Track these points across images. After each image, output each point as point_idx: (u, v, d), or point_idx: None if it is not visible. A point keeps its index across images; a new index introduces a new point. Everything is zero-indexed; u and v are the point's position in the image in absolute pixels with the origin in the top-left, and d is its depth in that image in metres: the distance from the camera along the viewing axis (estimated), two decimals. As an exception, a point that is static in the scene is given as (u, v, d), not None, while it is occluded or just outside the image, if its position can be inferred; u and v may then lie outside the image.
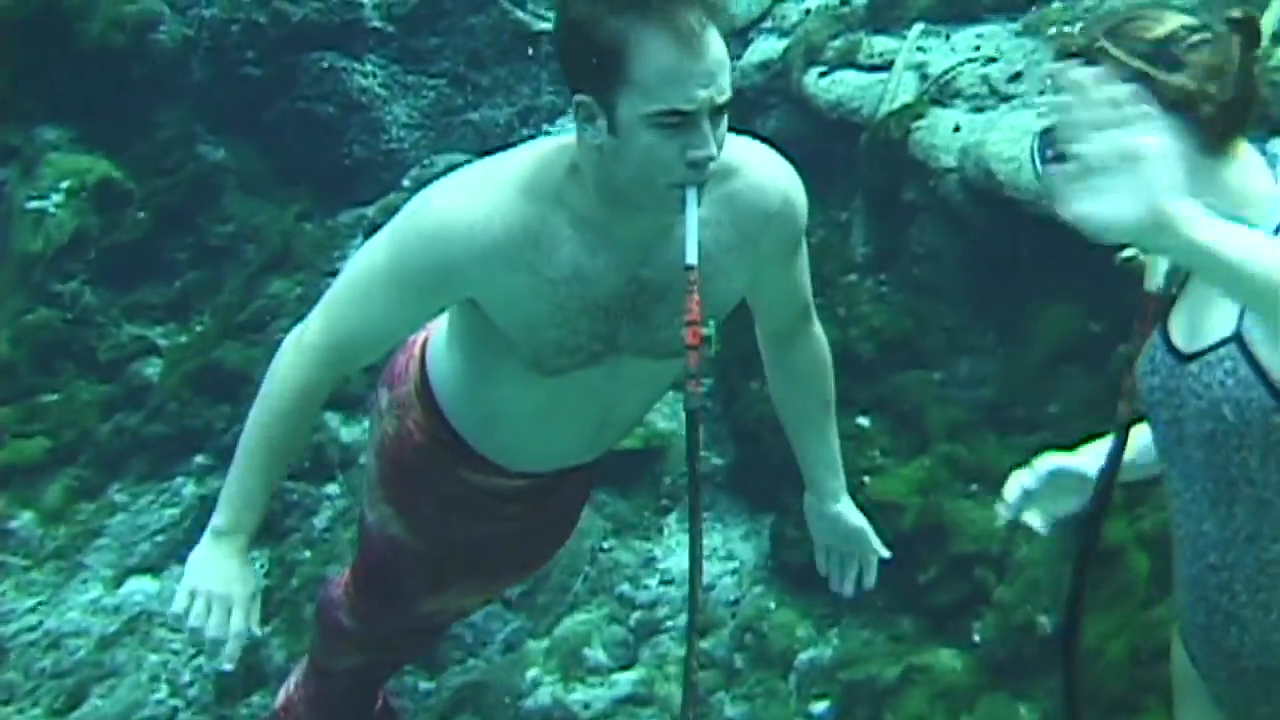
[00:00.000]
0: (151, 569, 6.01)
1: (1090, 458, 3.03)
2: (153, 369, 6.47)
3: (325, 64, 6.95)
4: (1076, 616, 2.87)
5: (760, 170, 2.93)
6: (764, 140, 3.09)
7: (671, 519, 5.75)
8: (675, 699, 5.09)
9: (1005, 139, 5.47)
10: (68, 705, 5.52)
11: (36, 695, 5.52)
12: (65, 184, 6.57)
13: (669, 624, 5.40)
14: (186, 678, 5.61)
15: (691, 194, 2.66)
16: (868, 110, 6.07)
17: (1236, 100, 2.36)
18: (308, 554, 5.93)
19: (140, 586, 5.95)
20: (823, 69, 6.31)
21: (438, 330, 3.24)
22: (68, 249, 6.52)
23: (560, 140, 2.91)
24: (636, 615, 5.44)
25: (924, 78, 6.05)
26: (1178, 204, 1.91)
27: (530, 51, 7.00)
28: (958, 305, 5.61)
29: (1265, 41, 2.40)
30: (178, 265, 6.73)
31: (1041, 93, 5.80)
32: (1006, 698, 4.74)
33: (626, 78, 2.56)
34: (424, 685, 5.45)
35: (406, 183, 6.89)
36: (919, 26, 6.31)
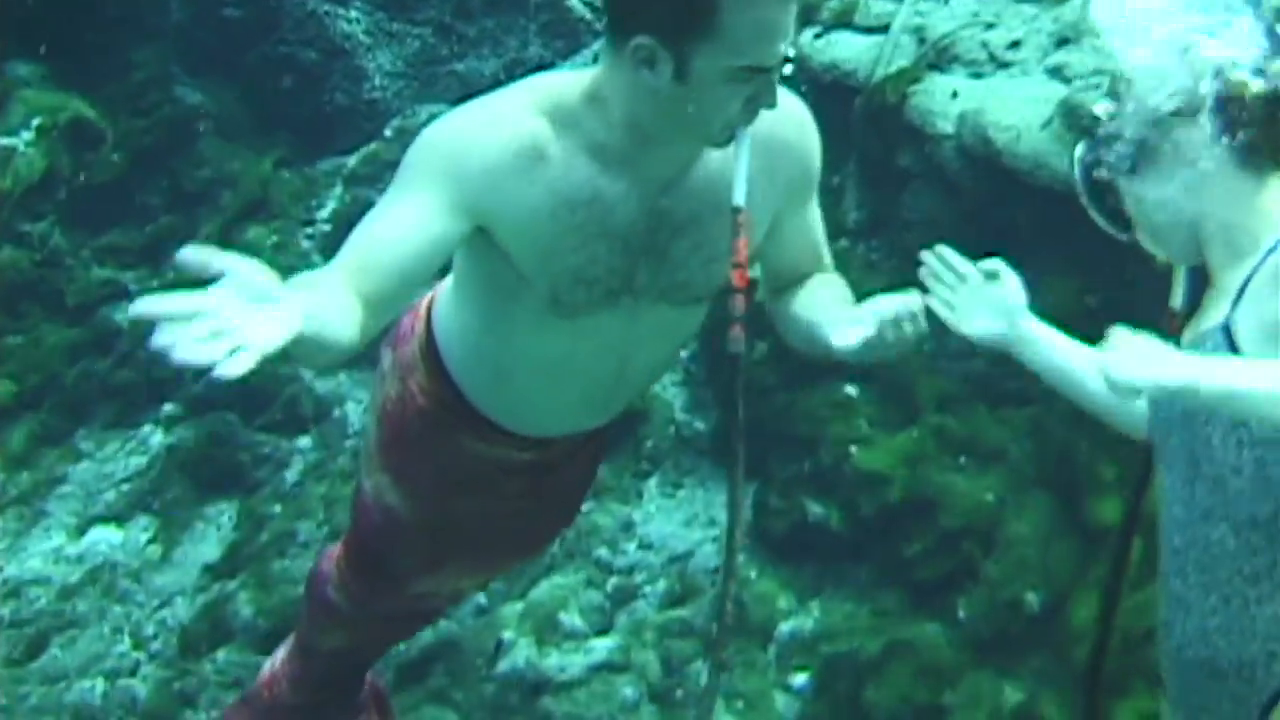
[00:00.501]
0: (116, 518, 5.89)
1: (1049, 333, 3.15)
2: (122, 314, 6.32)
3: (308, 8, 6.82)
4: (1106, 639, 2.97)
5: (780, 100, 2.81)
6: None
7: (651, 483, 5.65)
8: (651, 666, 5.01)
9: (1004, 107, 5.36)
10: (26, 655, 5.39)
11: (-6, 643, 5.41)
12: (36, 121, 6.40)
13: (646, 590, 5.30)
14: (149, 630, 5.49)
15: (744, 136, 2.61)
16: (863, 73, 5.95)
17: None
18: (278, 508, 5.81)
19: (104, 536, 5.82)
20: (818, 30, 6.19)
21: (444, 287, 3.10)
22: (37, 188, 6.35)
23: (571, 74, 2.80)
24: (613, 581, 5.34)
25: (921, 42, 5.93)
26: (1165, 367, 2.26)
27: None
28: (950, 274, 5.50)
29: None
30: (151, 209, 6.59)
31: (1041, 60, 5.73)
32: (991, 675, 4.66)
33: (715, 28, 2.45)
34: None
35: (388, 133, 6.76)
36: (917, -10, 6.18)
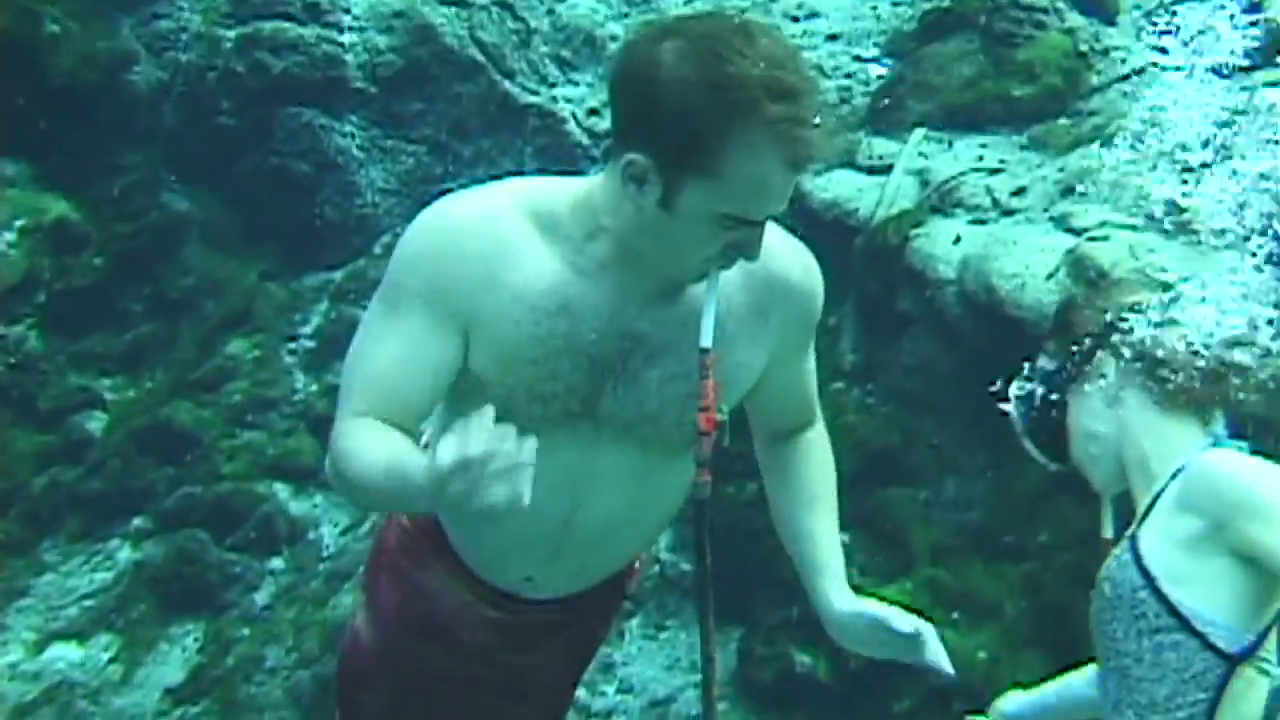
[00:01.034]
0: (77, 635, 5.69)
1: (1051, 693, 3.27)
2: (96, 423, 6.17)
3: (303, 120, 6.73)
4: None
5: (774, 239, 2.66)
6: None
7: (634, 623, 5.48)
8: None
9: (1008, 254, 5.30)
10: (-24, 777, 5.19)
11: (-57, 764, 5.20)
12: (20, 222, 6.29)
13: (626, 735, 5.13)
14: (105, 755, 5.30)
15: (715, 277, 2.45)
16: (864, 213, 5.89)
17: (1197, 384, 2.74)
18: (246, 631, 5.63)
19: (63, 653, 5.63)
20: (819, 167, 6.12)
21: None
22: (17, 290, 6.22)
23: (563, 179, 2.65)
24: (592, 725, 5.18)
25: (924, 184, 5.89)
26: None
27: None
28: (947, 422, 5.41)
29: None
30: (132, 316, 6.44)
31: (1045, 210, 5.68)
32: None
33: (711, 171, 2.33)
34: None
35: (377, 249, 6.66)
36: (920, 131, 6.15)
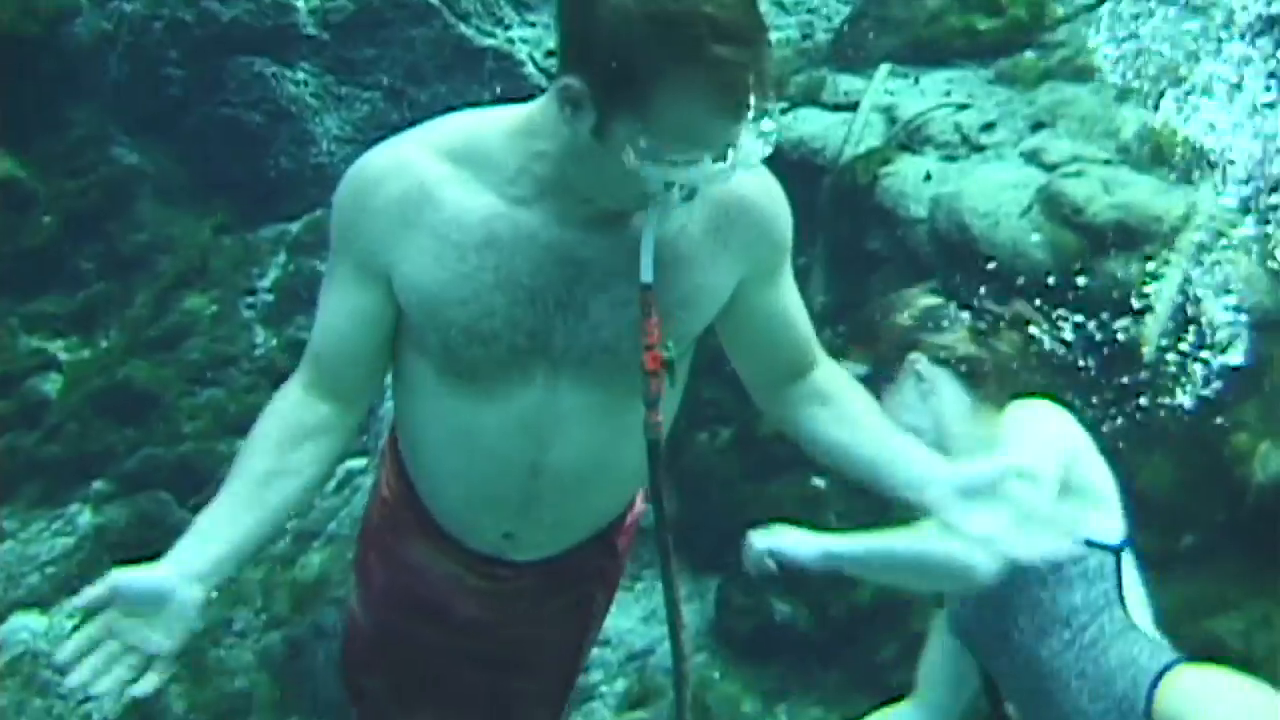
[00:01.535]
0: (39, 604, 5.57)
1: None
2: (51, 385, 6.03)
3: (254, 69, 6.57)
4: None
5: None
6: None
7: (608, 576, 5.40)
8: (609, 771, 4.78)
9: (980, 192, 5.22)
10: (-61, 752, 5.09)
11: (-94, 741, 5.09)
12: (-36, 182, 6.11)
13: (604, 690, 5.06)
14: (73, 726, 5.19)
15: (654, 210, 2.31)
16: (831, 152, 5.79)
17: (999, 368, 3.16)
18: (213, 594, 5.48)
19: (25, 623, 5.50)
20: (784, 105, 6.01)
21: None
22: (-36, 252, 6.04)
23: (497, 110, 2.52)
24: (568, 679, 5.09)
25: (892, 121, 5.79)
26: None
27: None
28: (920, 363, 5.33)
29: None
30: (84, 275, 6.28)
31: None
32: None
33: (643, 109, 2.20)
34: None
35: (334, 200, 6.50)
36: (886, 67, 6.05)
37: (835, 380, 2.65)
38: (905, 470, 2.50)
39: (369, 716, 3.16)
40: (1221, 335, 4.66)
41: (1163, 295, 4.58)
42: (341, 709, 5.05)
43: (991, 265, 5.02)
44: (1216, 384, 4.64)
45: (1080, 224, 4.96)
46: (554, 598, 2.78)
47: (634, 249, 2.34)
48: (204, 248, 6.37)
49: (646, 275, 2.33)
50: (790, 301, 2.65)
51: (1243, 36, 5.02)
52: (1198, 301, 4.64)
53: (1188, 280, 4.65)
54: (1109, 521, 3.04)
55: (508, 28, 6.87)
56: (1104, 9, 5.64)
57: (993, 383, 3.15)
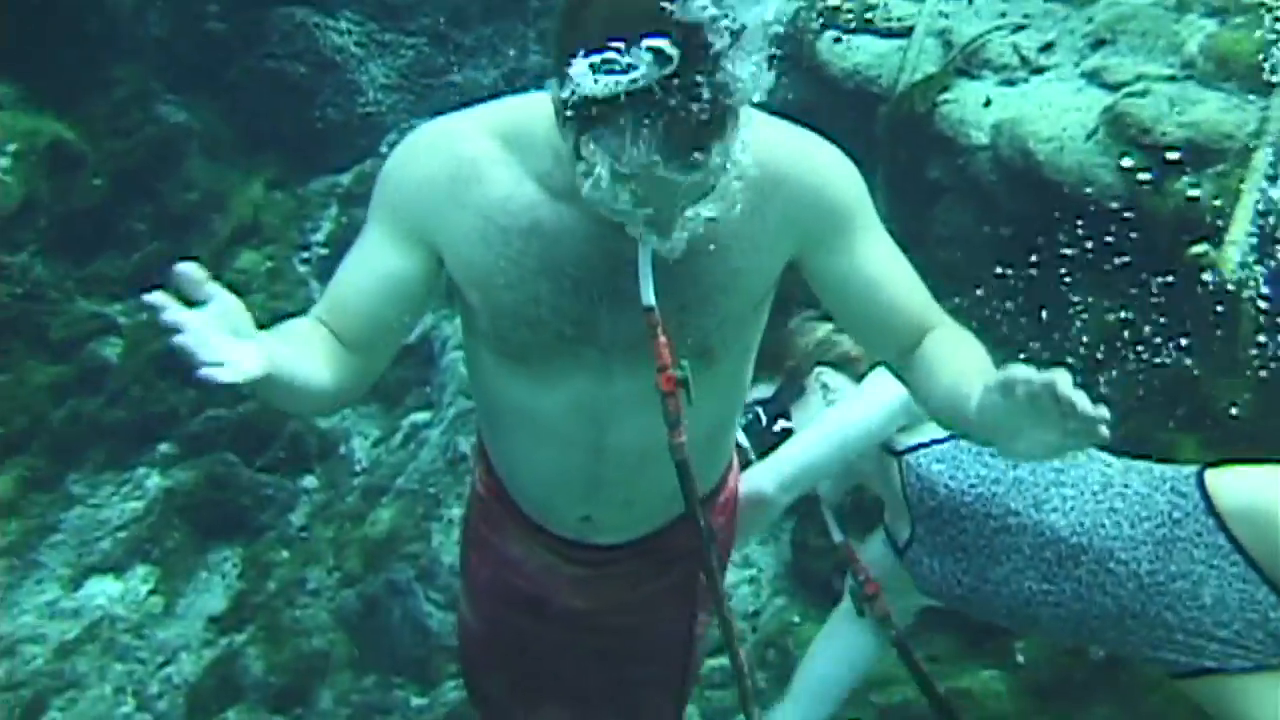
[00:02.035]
0: (114, 568, 5.58)
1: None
2: (112, 349, 6.01)
3: (296, 19, 6.50)
4: None
5: (773, 132, 2.41)
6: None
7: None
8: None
9: (1042, 116, 5.11)
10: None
11: (-11, 709, 5.11)
12: (13, 147, 6.03)
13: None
14: (154, 689, 5.21)
15: (646, 243, 2.28)
16: (887, 79, 5.68)
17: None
18: (285, 554, 5.53)
19: (101, 588, 5.52)
20: (838, 34, 5.90)
21: None
22: (17, 217, 5.97)
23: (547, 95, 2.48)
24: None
25: (947, 45, 5.67)
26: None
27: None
28: (988, 293, 5.24)
29: None
30: (137, 236, 6.23)
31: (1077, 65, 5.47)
32: (1055, 726, 4.42)
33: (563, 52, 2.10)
34: (416, 700, 5.07)
35: (384, 148, 6.46)
36: (938, -11, 5.91)
37: (944, 345, 2.52)
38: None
39: (493, 718, 3.15)
40: (1302, 253, 4.57)
41: (1239, 216, 4.48)
42: (419, 664, 5.09)
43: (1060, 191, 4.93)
44: (1298, 304, 4.55)
45: (1148, 145, 4.84)
46: (652, 581, 2.75)
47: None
48: (255, 204, 6.33)
49: (647, 299, 2.31)
50: (871, 270, 2.55)
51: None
52: (1276, 220, 4.54)
53: (1265, 198, 4.54)
54: None
55: (550, -34, 6.79)
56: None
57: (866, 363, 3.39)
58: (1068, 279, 4.96)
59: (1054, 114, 5.09)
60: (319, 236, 6.35)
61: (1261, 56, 4.90)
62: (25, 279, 5.97)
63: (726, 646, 2.54)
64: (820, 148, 2.50)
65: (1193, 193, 4.67)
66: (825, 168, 2.48)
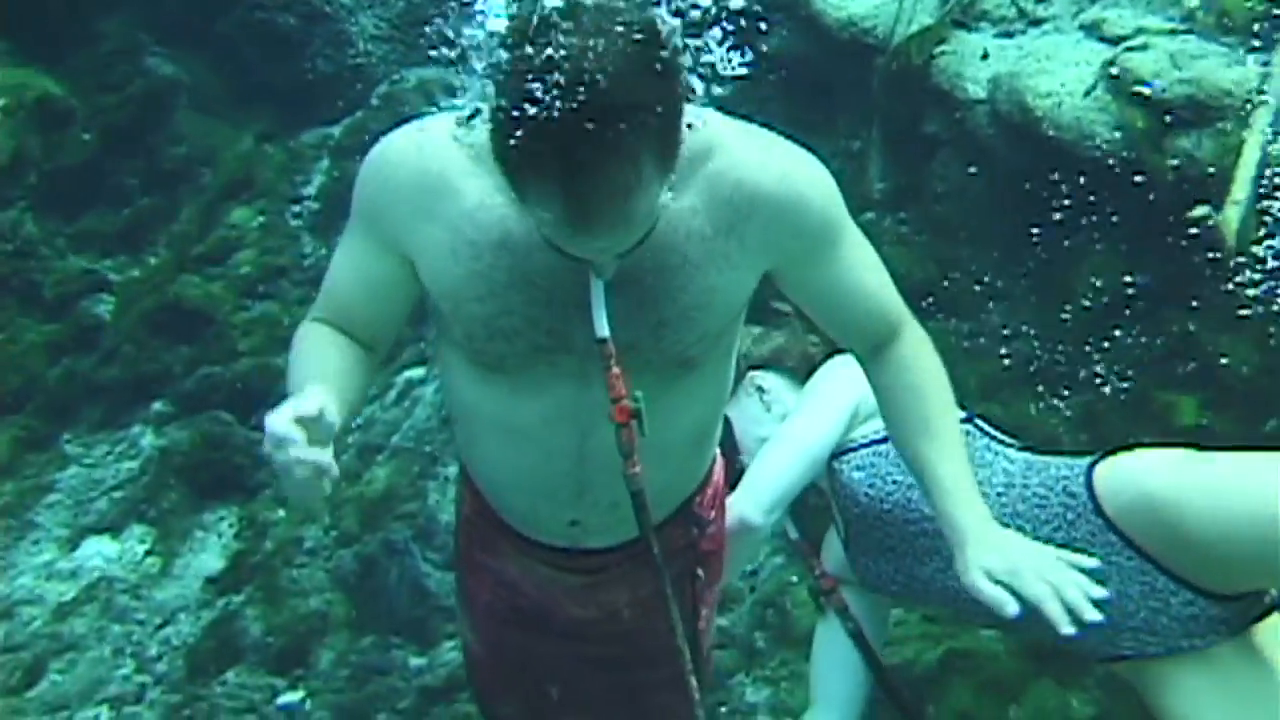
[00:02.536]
0: (110, 529, 5.56)
1: None
2: (104, 306, 5.96)
3: (283, -31, 6.40)
4: None
5: (747, 150, 2.42)
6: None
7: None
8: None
9: (1041, 70, 5.08)
10: (23, 682, 5.12)
11: (-12, 671, 5.11)
12: (0, 102, 5.97)
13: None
14: (153, 651, 5.21)
15: (599, 283, 2.33)
16: (882, 30, 5.62)
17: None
18: (281, 513, 5.51)
19: (98, 548, 5.50)
20: (835, -14, 5.84)
21: None
22: (6, 173, 5.91)
23: None
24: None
25: (944, -4, 5.61)
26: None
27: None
28: (985, 249, 5.23)
29: None
30: (127, 191, 6.16)
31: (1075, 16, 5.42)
32: (1054, 686, 4.43)
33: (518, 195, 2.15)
34: (415, 661, 5.08)
35: (375, 100, 6.39)
36: (935, -63, 5.85)
37: (909, 372, 2.69)
38: (951, 514, 2.60)
39: None
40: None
41: (1240, 176, 4.45)
42: (417, 625, 5.09)
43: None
44: (1300, 262, 4.54)
45: (1148, 100, 4.81)
46: (650, 582, 2.75)
47: (646, 253, 2.31)
48: (246, 158, 6.26)
49: (601, 330, 2.33)
50: (849, 280, 2.60)
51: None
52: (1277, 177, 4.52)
53: (1267, 155, 4.51)
54: None
55: (542, -89, 6.68)
56: None
57: (804, 360, 3.54)
58: (1066, 236, 4.94)
59: (1052, 68, 5.06)
60: (311, 190, 6.28)
61: (1262, 10, 4.86)
62: (16, 236, 5.92)
63: (684, 675, 2.55)
64: (797, 163, 2.48)
65: (1193, 151, 4.64)
66: (803, 186, 2.47)
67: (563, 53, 1.96)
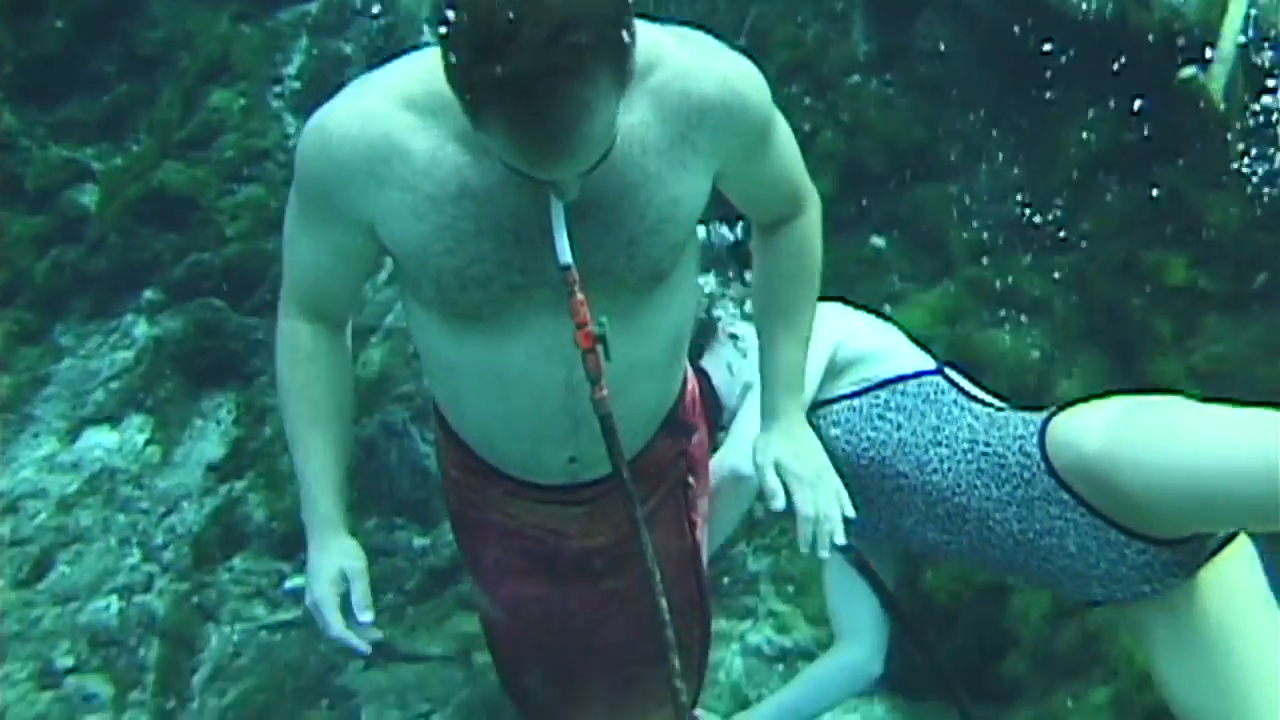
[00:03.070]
0: (109, 419, 5.59)
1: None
2: (88, 196, 5.91)
3: None
4: None
5: (688, 58, 2.43)
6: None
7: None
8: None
9: (1026, -75, 5.01)
10: (32, 574, 5.19)
11: (-4, 564, 5.18)
12: (-35, -9, 5.89)
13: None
14: (159, 540, 5.28)
15: (558, 203, 2.30)
16: (864, -113, 5.53)
17: None
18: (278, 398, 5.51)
19: (99, 440, 5.53)
20: None
21: None
22: (-22, 64, 5.87)
23: None
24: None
25: None
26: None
27: None
28: (973, 109, 5.21)
29: None
30: (105, 78, 6.07)
31: None
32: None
33: (477, 124, 2.13)
34: (418, 541, 5.14)
35: (351, -26, 6.29)
36: None
37: (790, 250, 2.83)
38: (774, 397, 2.86)
39: (542, 715, 3.18)
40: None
41: (1226, 34, 4.42)
42: (419, 505, 5.15)
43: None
44: (1285, 120, 4.53)
45: (1134, -45, 4.76)
46: (649, 500, 2.76)
47: (607, 175, 2.32)
48: (224, 39, 6.16)
49: (564, 257, 2.32)
50: (777, 167, 2.70)
51: None
52: (1261, 36, 4.49)
53: (1252, 12, 4.48)
54: (911, 359, 3.39)
55: None
56: None
57: None
58: (1052, 95, 4.92)
59: (1038, -77, 5.00)
60: (291, 69, 6.20)
61: None
62: (-5, 128, 5.88)
63: (656, 615, 2.49)
64: (733, 65, 2.50)
65: (1180, 7, 4.61)
66: (743, 89, 2.50)
67: None
